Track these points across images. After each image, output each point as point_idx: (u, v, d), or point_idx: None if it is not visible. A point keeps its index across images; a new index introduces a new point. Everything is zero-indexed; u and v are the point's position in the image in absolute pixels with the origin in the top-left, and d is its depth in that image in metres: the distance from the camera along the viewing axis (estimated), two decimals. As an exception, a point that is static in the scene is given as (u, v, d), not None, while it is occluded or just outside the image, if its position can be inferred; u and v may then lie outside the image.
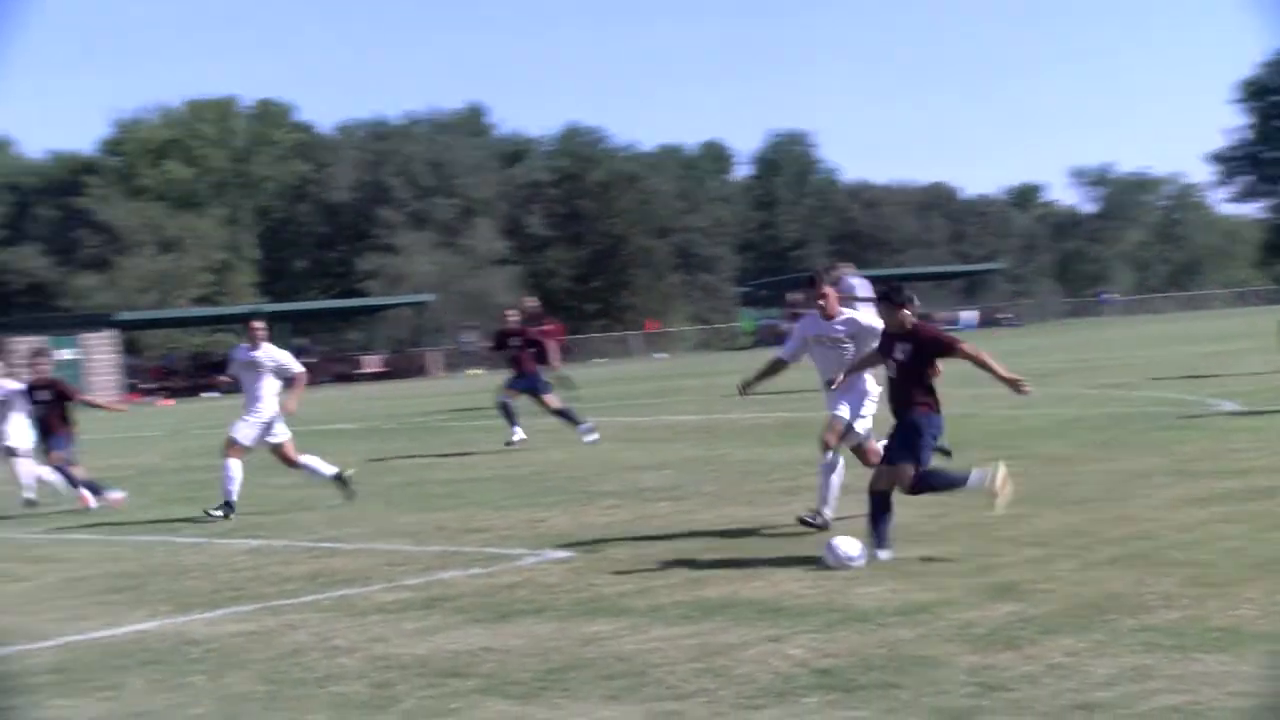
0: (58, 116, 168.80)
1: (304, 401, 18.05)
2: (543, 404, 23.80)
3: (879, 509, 11.16)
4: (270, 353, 17.41)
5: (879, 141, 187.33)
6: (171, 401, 63.33)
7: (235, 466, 16.88)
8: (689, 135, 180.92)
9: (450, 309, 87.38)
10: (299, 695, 8.24)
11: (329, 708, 7.90)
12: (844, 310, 13.19)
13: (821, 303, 13.07)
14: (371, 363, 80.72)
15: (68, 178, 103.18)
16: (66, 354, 66.83)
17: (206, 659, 9.33)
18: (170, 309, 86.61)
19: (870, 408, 12.98)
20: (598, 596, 10.38)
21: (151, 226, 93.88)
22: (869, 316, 12.92)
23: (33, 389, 19.34)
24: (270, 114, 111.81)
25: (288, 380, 17.39)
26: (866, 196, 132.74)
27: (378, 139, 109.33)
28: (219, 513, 16.55)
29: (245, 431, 17.08)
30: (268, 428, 17.17)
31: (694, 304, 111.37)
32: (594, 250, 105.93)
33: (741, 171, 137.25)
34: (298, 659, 9.15)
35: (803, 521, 12.52)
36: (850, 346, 12.87)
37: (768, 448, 19.73)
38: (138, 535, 15.89)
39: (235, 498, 16.76)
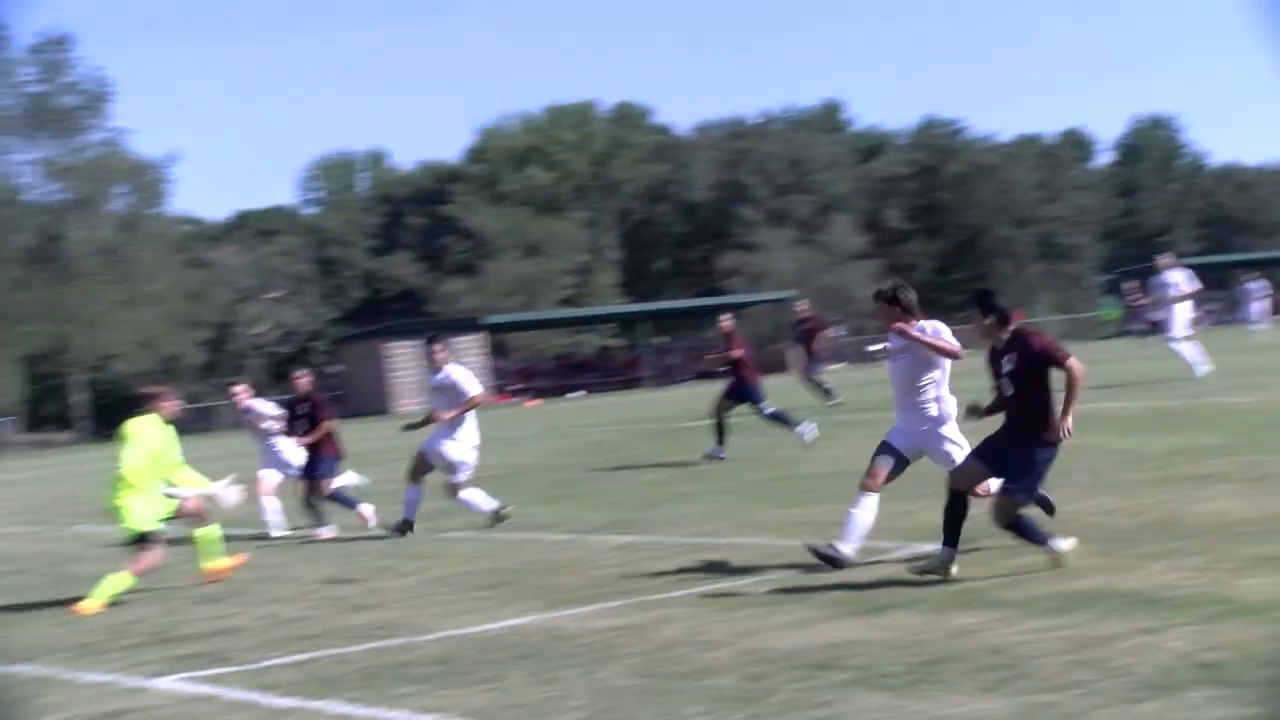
0: (426, 128, 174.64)
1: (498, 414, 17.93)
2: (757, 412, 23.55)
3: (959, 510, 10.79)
4: (453, 374, 17.20)
5: (1254, 121, 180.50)
6: (538, 401, 64.82)
7: (414, 489, 17.09)
8: (1048, 124, 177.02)
9: (810, 305, 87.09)
10: (672, 689, 8.32)
11: (703, 701, 7.96)
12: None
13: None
14: (825, 345, 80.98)
15: (435, 186, 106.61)
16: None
17: (580, 653, 9.50)
18: (535, 311, 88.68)
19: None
20: (968, 588, 10.24)
21: (515, 231, 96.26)
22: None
23: (294, 404, 18.56)
24: (629, 117, 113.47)
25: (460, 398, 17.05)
26: (1238, 179, 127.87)
27: (735, 138, 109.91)
28: (396, 532, 16.81)
29: (460, 471, 17.12)
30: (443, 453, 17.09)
31: (1056, 293, 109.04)
32: (954, 242, 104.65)
33: (1103, 159, 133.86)
34: (669, 653, 9.25)
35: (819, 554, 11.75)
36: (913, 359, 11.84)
37: (1141, 437, 19.15)
38: (509, 534, 16.28)
39: (412, 515, 16.96)
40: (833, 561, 11.35)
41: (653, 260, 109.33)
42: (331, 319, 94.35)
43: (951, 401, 11.76)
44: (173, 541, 16.20)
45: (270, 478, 18.68)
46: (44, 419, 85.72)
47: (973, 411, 11.30)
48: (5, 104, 77.59)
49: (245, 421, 19.14)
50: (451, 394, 17.02)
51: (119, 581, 13.57)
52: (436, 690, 8.85)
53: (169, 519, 14.16)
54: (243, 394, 18.98)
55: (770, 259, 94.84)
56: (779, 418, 23.24)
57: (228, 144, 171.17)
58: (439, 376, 17.14)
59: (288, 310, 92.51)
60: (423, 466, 17.13)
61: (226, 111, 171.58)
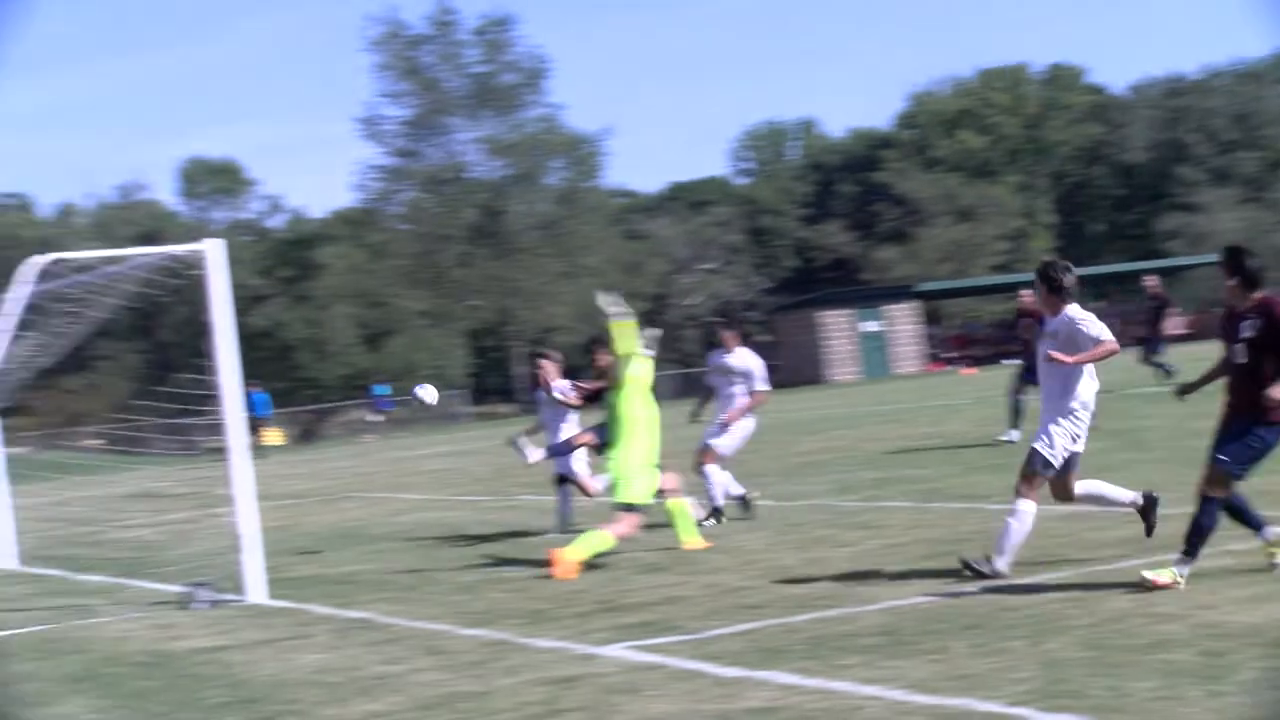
0: (857, 95, 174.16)
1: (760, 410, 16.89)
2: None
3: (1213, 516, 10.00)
4: (742, 359, 16.67)
5: None
6: (974, 370, 64.00)
7: (714, 471, 16.55)
8: None
9: (1159, 282, 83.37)
10: (1124, 661, 8.10)
11: (1157, 675, 7.73)
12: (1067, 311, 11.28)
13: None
14: (1174, 324, 78.42)
15: (866, 153, 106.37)
16: (871, 326, 68.97)
17: (1025, 624, 9.34)
18: (968, 278, 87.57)
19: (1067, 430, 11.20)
20: None
21: (947, 197, 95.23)
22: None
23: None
24: (1062, 78, 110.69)
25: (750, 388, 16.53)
26: None
27: (1173, 95, 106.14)
28: (710, 521, 16.27)
29: (725, 442, 16.65)
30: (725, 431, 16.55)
31: None
32: None
33: None
34: (1119, 625, 9.01)
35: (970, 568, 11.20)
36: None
37: None
38: (948, 503, 16.13)
39: (721, 502, 16.46)
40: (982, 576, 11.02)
41: (1088, 224, 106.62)
42: (764, 289, 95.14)
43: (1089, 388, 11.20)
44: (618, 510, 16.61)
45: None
46: (488, 391, 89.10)
47: (1186, 390, 10.72)
48: (451, 85, 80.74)
49: (543, 399, 17.71)
50: (737, 379, 16.60)
51: (600, 541, 13.92)
52: (880, 661, 8.83)
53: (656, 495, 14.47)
54: (550, 369, 17.73)
55: (1213, 220, 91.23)
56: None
57: (660, 116, 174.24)
58: (724, 358, 16.69)
59: (721, 281, 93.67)
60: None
61: (659, 84, 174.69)
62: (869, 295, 74.48)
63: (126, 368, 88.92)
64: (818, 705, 7.99)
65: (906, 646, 9.12)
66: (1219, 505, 10.03)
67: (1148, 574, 9.93)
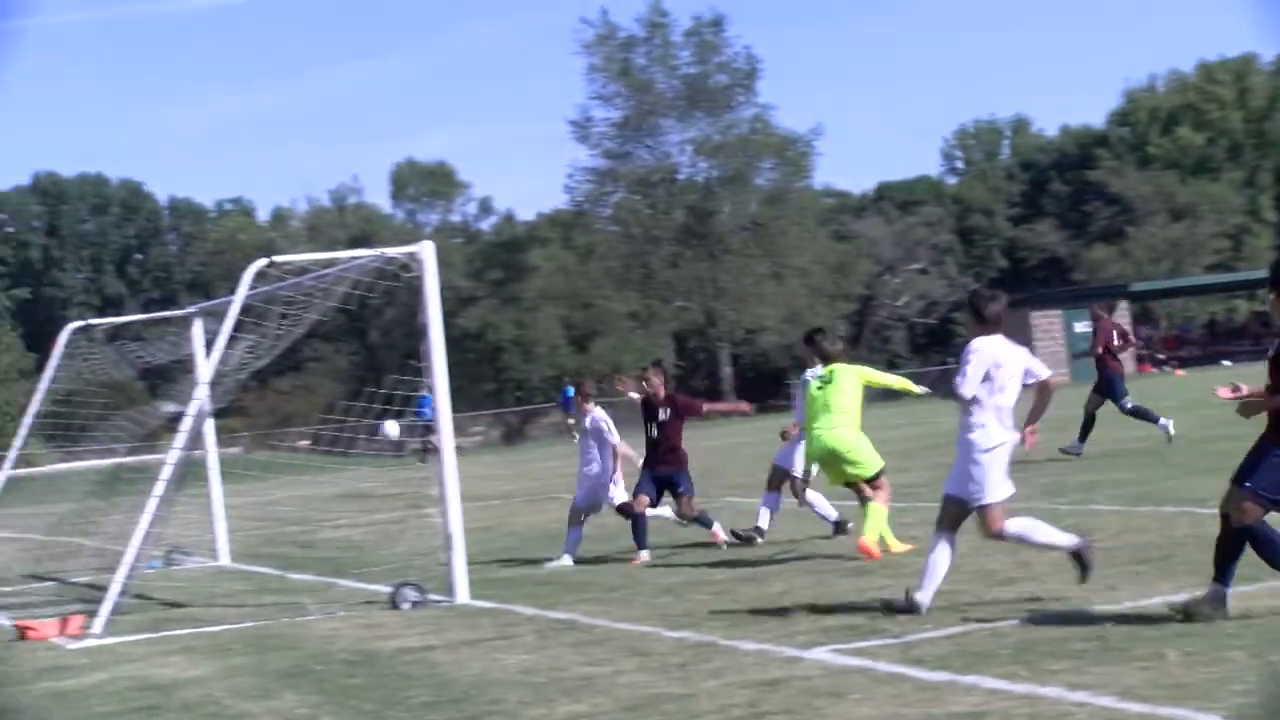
0: (1070, 93, 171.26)
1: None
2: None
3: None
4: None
5: None
6: (1183, 372, 62.61)
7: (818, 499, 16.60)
8: None
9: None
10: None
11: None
12: None
13: None
14: None
15: (1079, 151, 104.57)
16: (1082, 327, 67.75)
17: (1245, 634, 9.09)
18: (1183, 277, 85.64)
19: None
20: None
21: (1163, 195, 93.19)
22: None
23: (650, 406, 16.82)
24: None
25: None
26: None
27: None
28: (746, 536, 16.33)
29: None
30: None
31: None
32: None
33: None
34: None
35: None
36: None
37: None
38: (1159, 507, 15.75)
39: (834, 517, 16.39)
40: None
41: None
42: (974, 289, 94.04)
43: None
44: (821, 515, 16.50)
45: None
46: (694, 393, 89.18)
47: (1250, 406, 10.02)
48: (662, 86, 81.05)
49: (577, 428, 17.55)
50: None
51: (879, 513, 14.34)
52: (1089, 667, 8.64)
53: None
54: (585, 400, 17.39)
55: None
56: (1139, 413, 23.36)
57: (869, 115, 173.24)
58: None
59: (930, 281, 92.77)
60: (779, 476, 16.74)
61: (868, 82, 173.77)
62: (1080, 295, 73.15)
63: (336, 369, 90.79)
64: (1024, 711, 7.84)
65: (1117, 652, 8.91)
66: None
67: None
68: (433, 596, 14.21)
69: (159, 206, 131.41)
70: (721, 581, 13.78)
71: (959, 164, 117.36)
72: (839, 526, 16.38)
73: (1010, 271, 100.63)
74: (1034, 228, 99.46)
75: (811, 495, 16.63)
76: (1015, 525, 11.11)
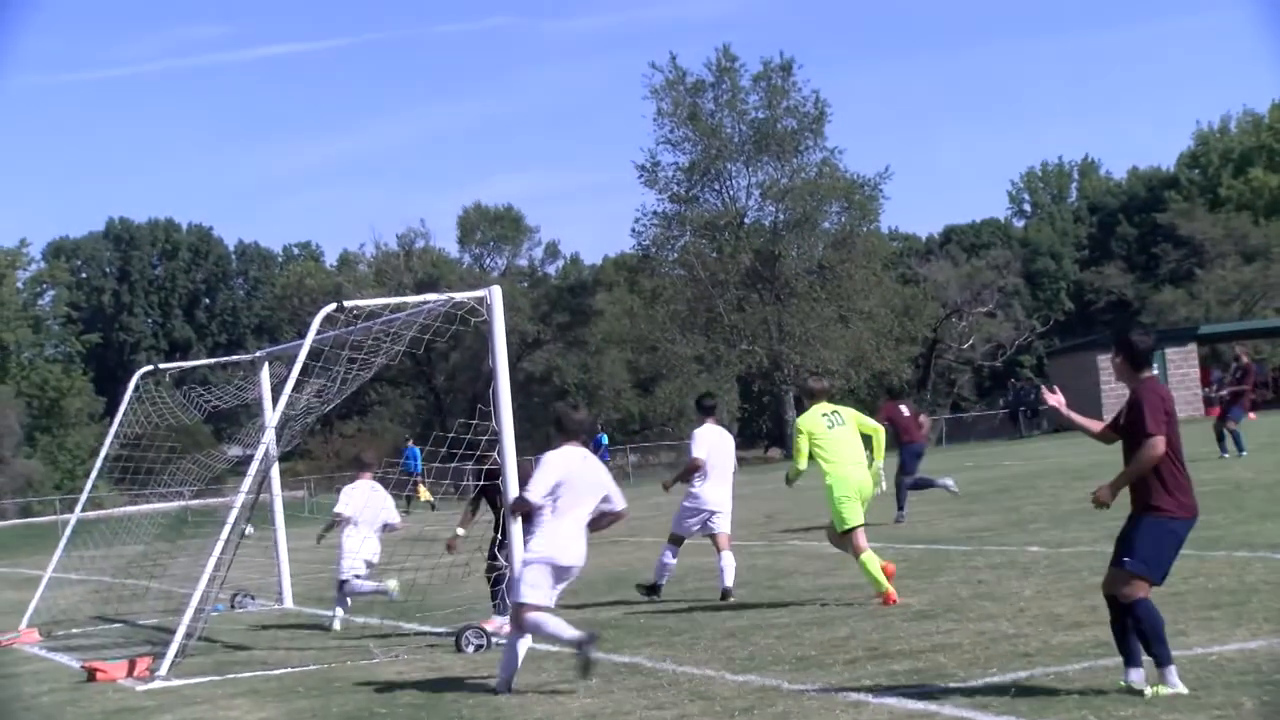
0: (1139, 135, 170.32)
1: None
2: None
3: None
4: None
5: None
6: (1253, 415, 61.90)
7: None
8: None
9: None
10: None
11: None
12: None
13: None
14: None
15: (1148, 194, 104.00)
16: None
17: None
18: (1254, 320, 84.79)
19: None
20: None
21: (1234, 237, 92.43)
22: None
23: None
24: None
25: None
26: None
27: None
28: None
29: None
30: None
31: None
32: None
33: None
34: None
35: None
36: None
37: None
38: (1232, 551, 15.57)
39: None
40: None
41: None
42: (1040, 332, 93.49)
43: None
44: (897, 559, 16.40)
45: None
46: (757, 435, 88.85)
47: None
48: (730, 131, 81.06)
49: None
50: None
51: (874, 560, 14.58)
52: (1161, 714, 8.54)
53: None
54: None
55: None
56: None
57: (937, 159, 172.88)
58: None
59: (997, 324, 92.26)
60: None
61: (935, 126, 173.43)
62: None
63: (402, 412, 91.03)
64: (1092, 760, 7.75)
65: (1189, 700, 8.79)
66: None
67: None
68: (497, 640, 14.20)
69: (227, 251, 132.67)
70: (786, 625, 13.70)
71: (1026, 207, 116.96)
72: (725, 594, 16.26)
73: (1077, 314, 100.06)
74: (1101, 270, 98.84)
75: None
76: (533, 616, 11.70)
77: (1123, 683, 9.20)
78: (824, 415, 15.37)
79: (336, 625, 17.45)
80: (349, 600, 17.86)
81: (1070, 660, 10.38)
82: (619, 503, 11.96)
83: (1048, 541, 18.07)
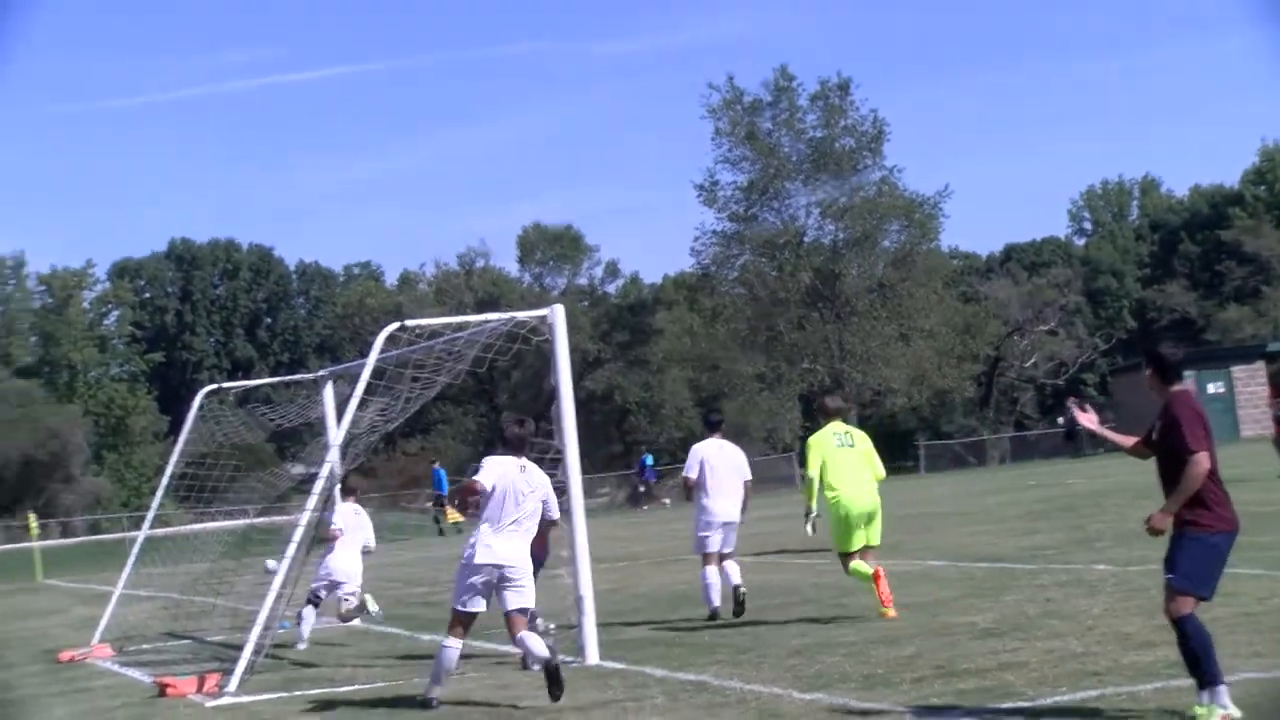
0: (1202, 152, 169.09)
1: None
2: None
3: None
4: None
5: None
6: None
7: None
8: None
9: None
10: None
11: None
12: None
13: None
14: None
15: (1211, 211, 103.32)
16: (1216, 388, 66.67)
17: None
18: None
19: None
20: None
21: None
22: None
23: None
24: None
25: None
26: None
27: None
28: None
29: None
30: None
31: None
32: None
33: None
34: None
35: None
36: None
37: None
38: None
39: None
40: None
41: None
42: (1102, 350, 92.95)
43: None
44: (951, 579, 16.33)
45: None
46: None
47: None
48: (789, 150, 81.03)
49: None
50: None
51: (861, 568, 15.32)
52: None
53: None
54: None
55: None
56: None
57: (997, 177, 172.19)
58: None
59: (1059, 342, 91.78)
60: None
61: (995, 144, 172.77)
62: (1213, 356, 72.06)
63: (464, 431, 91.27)
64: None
65: (1262, 720, 8.72)
66: None
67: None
68: (563, 658, 14.20)
69: (288, 271, 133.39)
70: (853, 643, 13.66)
71: (1086, 225, 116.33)
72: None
73: (1140, 332, 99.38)
74: (1164, 288, 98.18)
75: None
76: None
77: (1202, 705, 9.12)
78: (835, 434, 15.76)
79: (302, 646, 17.99)
80: (314, 614, 18.42)
81: (1142, 680, 10.30)
82: (553, 512, 13.08)
83: (1114, 559, 17.95)
